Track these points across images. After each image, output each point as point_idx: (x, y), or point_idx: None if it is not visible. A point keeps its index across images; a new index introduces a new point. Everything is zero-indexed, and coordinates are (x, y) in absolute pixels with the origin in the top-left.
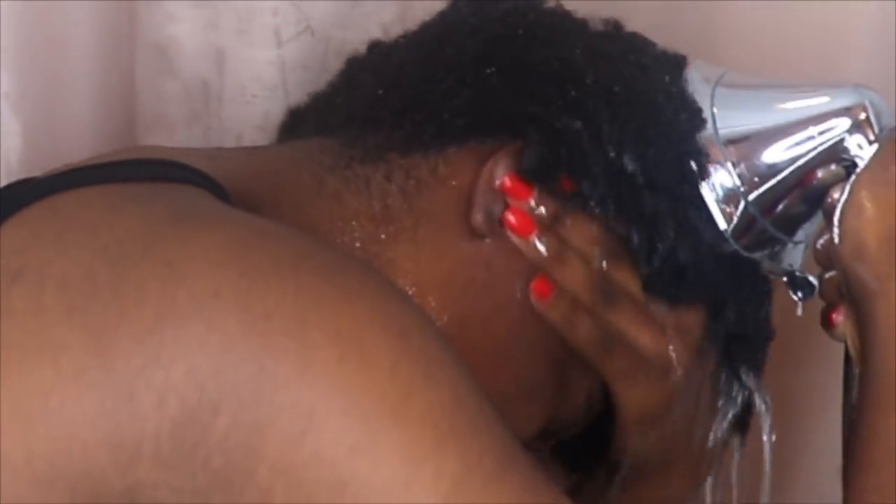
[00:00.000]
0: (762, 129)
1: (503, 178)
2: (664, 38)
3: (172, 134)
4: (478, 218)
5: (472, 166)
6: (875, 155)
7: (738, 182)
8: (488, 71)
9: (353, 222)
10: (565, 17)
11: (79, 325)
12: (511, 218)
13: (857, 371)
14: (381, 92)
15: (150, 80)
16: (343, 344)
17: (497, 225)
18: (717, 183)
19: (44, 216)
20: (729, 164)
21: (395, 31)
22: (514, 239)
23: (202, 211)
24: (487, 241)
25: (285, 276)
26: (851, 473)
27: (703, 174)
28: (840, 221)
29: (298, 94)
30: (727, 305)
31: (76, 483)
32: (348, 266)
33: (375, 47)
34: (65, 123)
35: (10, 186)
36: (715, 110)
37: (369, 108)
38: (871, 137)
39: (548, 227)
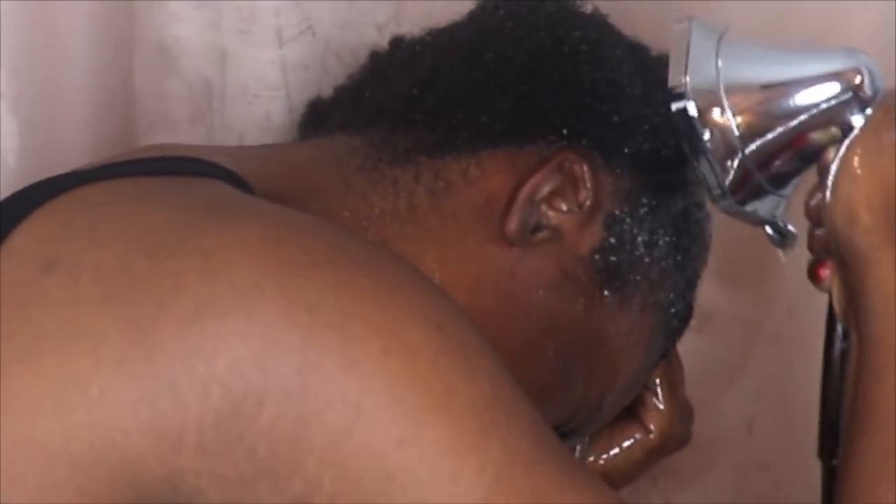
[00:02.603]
0: (764, 82)
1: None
2: (664, 37)
3: (175, 134)
4: (513, 225)
5: (502, 170)
6: (869, 121)
7: (736, 133)
8: (533, 82)
9: (380, 222)
10: (606, 28)
11: (117, 314)
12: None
13: (839, 324)
14: (414, 91)
15: (152, 79)
16: (386, 337)
17: (528, 235)
18: (718, 134)
19: (73, 207)
20: (730, 114)
21: (390, 31)
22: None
23: (235, 203)
24: (515, 248)
25: (324, 268)
26: (852, 436)
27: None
28: (834, 186)
29: (299, 94)
30: None
31: (116, 469)
32: (383, 258)
33: (400, 43)
34: (63, 123)
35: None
36: (720, 62)
37: (402, 107)
38: (866, 101)
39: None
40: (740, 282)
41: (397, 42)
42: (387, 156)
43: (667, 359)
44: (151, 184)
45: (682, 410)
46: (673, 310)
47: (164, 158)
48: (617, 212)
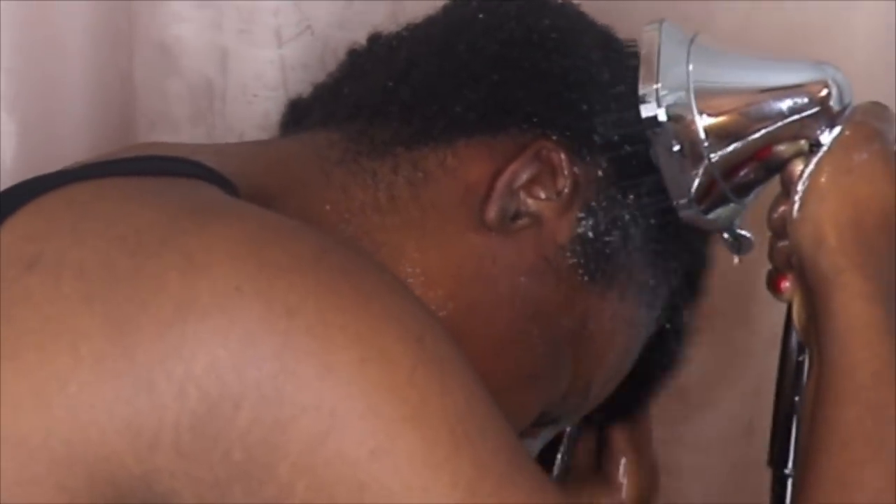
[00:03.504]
0: (733, 90)
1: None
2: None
3: (177, 133)
4: (492, 213)
5: (480, 159)
6: (837, 139)
7: (704, 142)
8: (505, 71)
9: (361, 213)
10: (577, 17)
11: (98, 313)
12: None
13: (796, 334)
14: (390, 84)
15: (153, 79)
16: (364, 346)
17: (508, 222)
18: (686, 142)
19: (58, 206)
20: (698, 122)
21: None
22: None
23: (217, 204)
24: (495, 235)
25: (305, 273)
26: (811, 455)
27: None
28: (801, 204)
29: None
30: None
31: (94, 467)
32: (365, 266)
33: (377, 39)
34: (61, 123)
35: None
36: (691, 67)
37: (378, 100)
38: (833, 116)
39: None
40: (740, 282)
41: (374, 38)
42: (365, 148)
43: (634, 419)
44: (136, 184)
45: (649, 470)
46: (658, 296)
47: (149, 158)
48: (594, 198)
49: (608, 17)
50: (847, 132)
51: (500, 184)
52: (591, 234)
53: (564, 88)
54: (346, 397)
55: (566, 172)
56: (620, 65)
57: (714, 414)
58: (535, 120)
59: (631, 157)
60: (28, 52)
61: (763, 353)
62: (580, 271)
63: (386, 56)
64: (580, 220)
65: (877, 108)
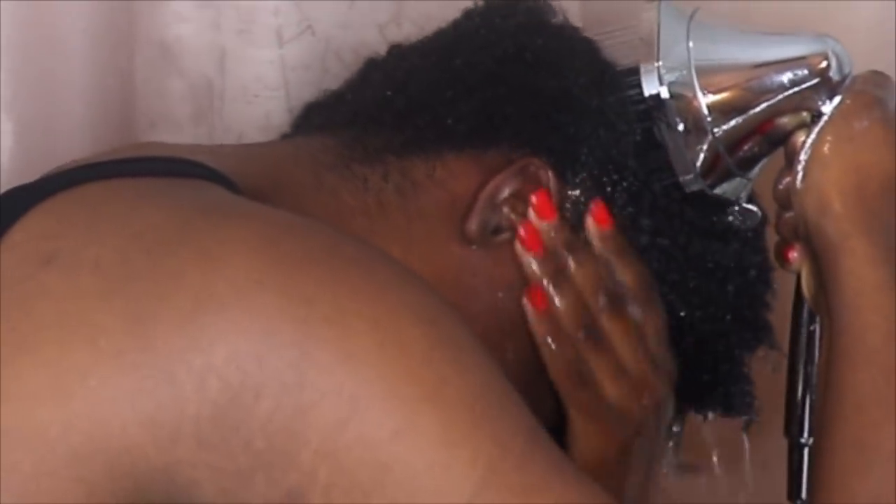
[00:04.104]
0: (733, 64)
1: (535, 194)
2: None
3: (177, 133)
4: (472, 226)
5: (468, 172)
6: (838, 108)
7: (707, 117)
8: (496, 87)
9: (350, 218)
10: (572, 38)
11: (117, 308)
12: (522, 232)
13: (806, 304)
14: (388, 93)
15: (153, 79)
16: (381, 331)
17: (489, 236)
18: (690, 118)
19: (72, 205)
20: (700, 98)
21: (390, 31)
22: (518, 249)
23: (230, 204)
24: (475, 248)
25: (320, 265)
26: (825, 422)
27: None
28: (804, 173)
29: (299, 94)
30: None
31: (114, 460)
32: (375, 256)
33: (394, 50)
34: (60, 123)
35: (33, 182)
36: (691, 44)
37: (374, 108)
38: (834, 87)
39: (553, 254)
40: None
41: (392, 49)
42: (358, 154)
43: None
44: (147, 184)
45: (599, 432)
46: None
47: (154, 159)
48: (575, 219)
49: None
50: (847, 101)
51: (482, 197)
52: (570, 252)
53: (553, 109)
54: (365, 381)
55: (550, 188)
56: (610, 89)
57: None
58: (526, 137)
59: (617, 178)
60: (27, 52)
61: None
62: None
63: (392, 66)
64: (562, 237)
65: (877, 77)
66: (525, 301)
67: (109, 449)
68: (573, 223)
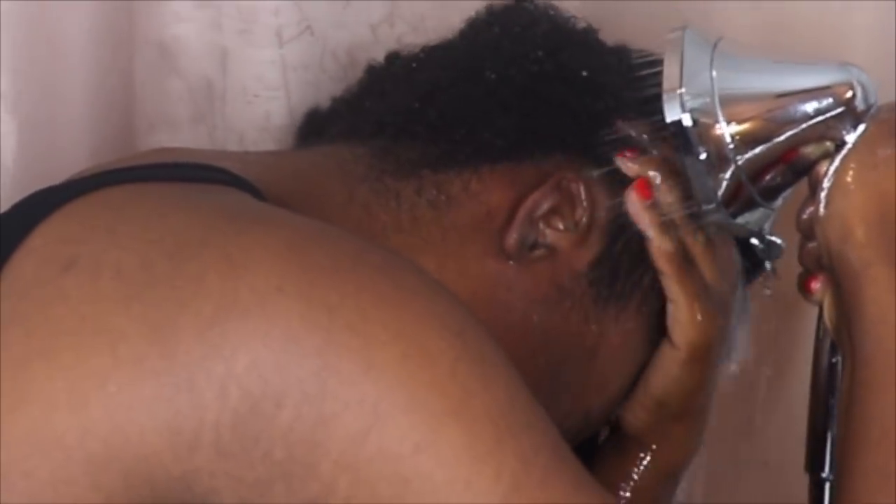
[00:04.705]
0: (758, 94)
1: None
2: (663, 38)
3: (177, 133)
4: (511, 241)
5: (503, 186)
6: (862, 136)
7: (730, 145)
8: (535, 103)
9: (382, 234)
10: (600, 48)
11: (137, 313)
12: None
13: (829, 337)
14: (415, 105)
15: (153, 79)
16: (405, 342)
17: (526, 251)
18: (712, 146)
19: (93, 209)
20: (724, 126)
21: (383, 31)
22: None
23: (255, 209)
24: (512, 263)
25: (346, 274)
26: (849, 453)
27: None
28: (827, 201)
29: (299, 94)
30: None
31: (131, 467)
32: (403, 267)
33: (395, 59)
34: (62, 124)
35: (52, 186)
36: (714, 73)
37: (403, 120)
38: (859, 116)
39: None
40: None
41: (393, 58)
42: (390, 167)
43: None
44: (169, 189)
45: (706, 312)
46: (662, 314)
47: (179, 165)
48: (611, 231)
49: (610, 16)
50: (871, 128)
51: (522, 212)
52: (605, 265)
53: (592, 124)
54: (388, 393)
55: (585, 203)
56: (641, 98)
57: (714, 414)
58: (561, 150)
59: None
60: (29, 53)
61: (763, 353)
62: (593, 301)
63: (406, 76)
64: (596, 250)
65: None
66: (634, 195)
67: (127, 456)
68: (614, 229)
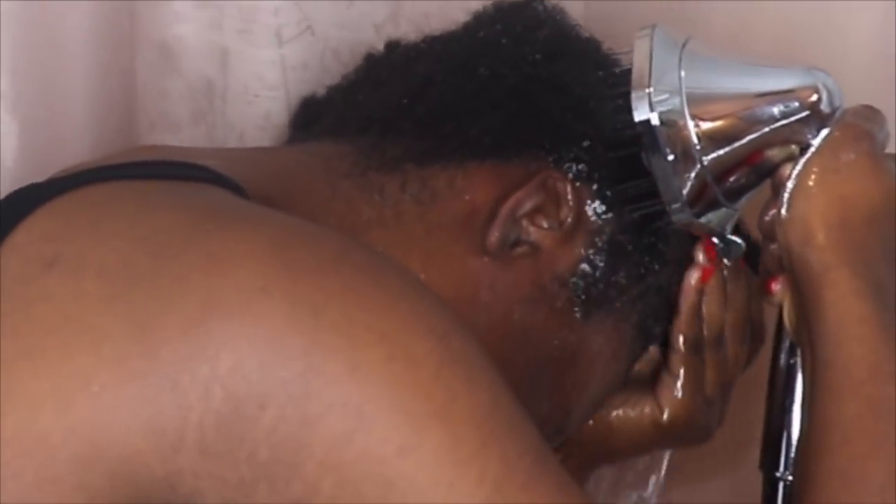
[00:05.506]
0: (725, 95)
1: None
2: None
3: (177, 133)
4: (493, 238)
5: (488, 183)
6: (826, 140)
7: (697, 146)
8: (525, 104)
9: (366, 229)
10: (597, 56)
11: (121, 312)
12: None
13: (787, 338)
14: (405, 101)
15: (154, 79)
16: (390, 344)
17: (507, 249)
18: (679, 146)
19: (76, 206)
20: (690, 126)
21: (387, 30)
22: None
23: (237, 208)
24: (494, 261)
25: (329, 274)
26: (808, 456)
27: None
28: (789, 204)
29: (299, 94)
30: None
31: (116, 467)
32: (388, 268)
33: (395, 47)
34: (62, 123)
35: (35, 183)
36: (683, 73)
37: (392, 114)
38: (824, 120)
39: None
40: None
41: (393, 46)
42: (375, 162)
43: (699, 354)
44: (153, 187)
45: (704, 406)
46: (647, 322)
47: (162, 163)
48: (596, 232)
49: (608, 17)
50: (836, 133)
51: (504, 210)
52: (588, 266)
53: (583, 128)
54: (372, 394)
55: (570, 203)
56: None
57: None
58: (549, 150)
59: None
60: (29, 53)
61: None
62: (573, 302)
63: (402, 68)
64: (580, 251)
65: (867, 111)
66: (693, 272)
67: (111, 456)
68: (594, 233)
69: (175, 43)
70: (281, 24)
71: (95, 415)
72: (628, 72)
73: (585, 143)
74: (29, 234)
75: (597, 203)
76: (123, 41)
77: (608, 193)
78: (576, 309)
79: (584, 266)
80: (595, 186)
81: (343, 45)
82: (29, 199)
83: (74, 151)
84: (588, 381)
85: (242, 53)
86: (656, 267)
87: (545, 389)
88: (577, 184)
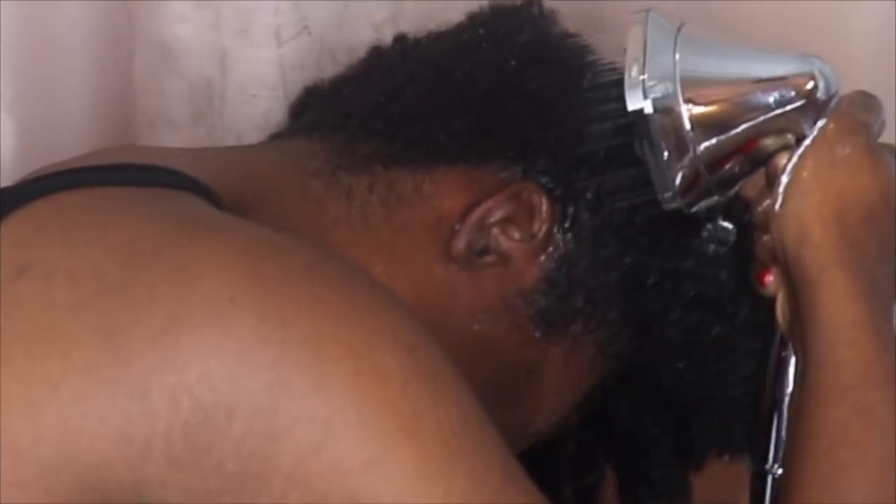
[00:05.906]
0: (719, 81)
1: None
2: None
3: (177, 133)
4: (459, 246)
5: (457, 189)
6: (821, 132)
7: (690, 133)
8: (495, 110)
9: (333, 228)
10: (579, 63)
11: (90, 321)
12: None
13: (780, 332)
14: (382, 98)
15: (153, 79)
16: (357, 359)
17: (474, 257)
18: (672, 134)
19: (48, 213)
20: (684, 114)
21: (386, 30)
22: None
23: (207, 218)
24: (460, 270)
25: (299, 286)
26: (798, 455)
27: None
28: (784, 199)
29: (296, 94)
30: None
31: (84, 474)
32: (358, 280)
33: (399, 41)
34: (60, 123)
35: (6, 188)
36: (677, 57)
37: (367, 113)
38: (819, 108)
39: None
40: None
41: (398, 39)
42: (346, 161)
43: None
44: (125, 195)
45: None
46: (614, 344)
47: (135, 167)
48: (565, 248)
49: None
50: (830, 125)
51: (472, 218)
52: (556, 282)
53: (556, 141)
54: (339, 409)
55: (544, 217)
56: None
57: None
58: (522, 161)
59: (612, 213)
60: (28, 52)
61: None
62: (538, 317)
63: (394, 64)
64: (548, 266)
65: (863, 99)
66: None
67: (79, 463)
68: (568, 247)
69: (174, 43)
70: (279, 24)
71: (64, 421)
72: (614, 82)
73: (550, 154)
74: (0, 240)
75: (567, 222)
76: (121, 41)
77: (579, 214)
78: (540, 323)
79: (550, 280)
80: (569, 206)
81: (340, 46)
82: (0, 205)
83: (72, 151)
84: (548, 398)
85: (241, 53)
86: (622, 284)
87: (506, 402)
88: (552, 199)
